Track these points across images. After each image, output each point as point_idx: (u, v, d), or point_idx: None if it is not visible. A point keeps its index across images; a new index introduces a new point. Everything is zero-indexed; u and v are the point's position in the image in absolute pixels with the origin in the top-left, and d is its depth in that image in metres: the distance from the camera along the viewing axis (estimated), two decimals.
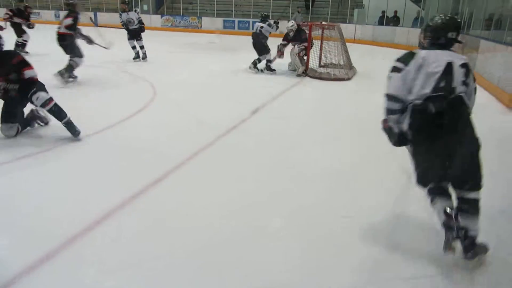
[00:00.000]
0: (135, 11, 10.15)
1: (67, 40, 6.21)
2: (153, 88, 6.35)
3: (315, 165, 3.59)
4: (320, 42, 8.51)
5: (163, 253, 2.24)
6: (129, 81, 7.09)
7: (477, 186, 2.11)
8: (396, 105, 2.17)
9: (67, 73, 6.23)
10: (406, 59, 2.15)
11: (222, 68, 8.67)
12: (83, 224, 2.44)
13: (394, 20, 14.94)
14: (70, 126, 3.94)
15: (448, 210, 2.13)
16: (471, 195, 2.10)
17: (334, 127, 4.77)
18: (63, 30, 6.24)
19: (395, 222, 2.64)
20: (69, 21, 6.23)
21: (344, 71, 7.99)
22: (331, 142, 4.24)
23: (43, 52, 8.63)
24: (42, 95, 3.78)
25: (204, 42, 13.54)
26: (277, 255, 2.26)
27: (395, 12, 14.92)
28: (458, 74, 2.05)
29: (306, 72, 7.93)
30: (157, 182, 3.08)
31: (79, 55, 6.36)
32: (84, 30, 6.63)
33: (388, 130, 2.26)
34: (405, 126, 2.14)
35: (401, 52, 2.31)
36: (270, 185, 3.15)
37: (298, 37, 7.89)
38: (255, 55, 8.14)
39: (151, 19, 19.40)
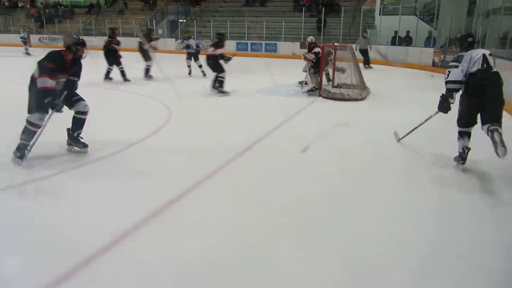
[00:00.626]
0: (194, 38, 12.39)
1: (213, 60, 7.86)
2: (169, 109, 6.44)
3: (328, 184, 3.56)
4: (332, 62, 8.55)
5: (180, 275, 2.23)
6: (144, 102, 7.21)
7: (499, 122, 3.51)
8: (455, 85, 3.75)
9: (221, 87, 7.95)
10: (458, 59, 3.74)
11: (237, 88, 8.77)
12: (99, 244, 2.45)
13: (407, 40, 14.99)
14: (77, 140, 4.17)
15: (465, 148, 3.81)
16: (495, 126, 3.45)
17: (347, 147, 4.74)
18: (211, 52, 7.86)
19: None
20: (221, 50, 7.93)
21: (357, 91, 7.99)
22: (346, 162, 4.21)
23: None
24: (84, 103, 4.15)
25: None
26: (301, 279, 2.22)
27: (407, 32, 14.98)
28: (490, 59, 3.68)
29: (320, 92, 7.96)
30: (173, 203, 3.08)
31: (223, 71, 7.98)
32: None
33: (446, 101, 3.83)
34: (459, 93, 3.85)
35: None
36: (287, 208, 3.13)
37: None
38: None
39: (166, 43, 19.86)
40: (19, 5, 27.35)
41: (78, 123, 4.16)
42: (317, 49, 8.18)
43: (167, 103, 6.88)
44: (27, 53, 16.97)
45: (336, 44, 8.93)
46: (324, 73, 8.34)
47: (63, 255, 2.35)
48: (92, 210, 2.99)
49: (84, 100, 4.15)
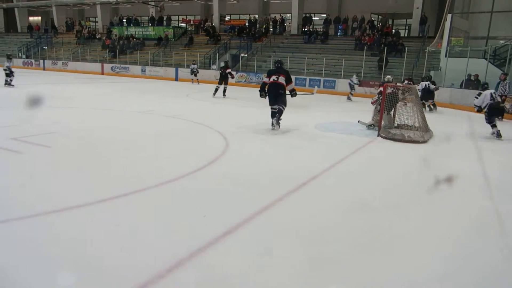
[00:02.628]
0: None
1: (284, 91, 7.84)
2: (226, 139, 6.57)
3: (384, 229, 3.36)
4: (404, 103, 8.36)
5: None
6: (202, 131, 7.42)
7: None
8: (477, 107, 8.19)
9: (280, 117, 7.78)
10: (480, 95, 7.99)
11: (293, 123, 8.78)
12: (154, 271, 2.46)
13: (475, 84, 14.30)
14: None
15: (496, 132, 7.90)
16: None
17: (402, 191, 4.50)
18: (281, 81, 7.72)
19: None
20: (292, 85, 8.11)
21: (419, 134, 7.67)
22: (404, 205, 3.98)
23: None
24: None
25: None
26: None
27: (476, 75, 14.31)
28: (495, 95, 7.93)
29: (379, 132, 7.75)
30: (227, 235, 3.06)
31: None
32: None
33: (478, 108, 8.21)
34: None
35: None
36: (342, 246, 2.98)
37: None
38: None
39: None
40: (97, 37, 29.90)
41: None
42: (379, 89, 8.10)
43: (224, 133, 7.04)
44: None
45: (399, 84, 8.73)
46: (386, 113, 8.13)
47: (117, 279, 2.40)
48: (146, 236, 3.05)
49: None
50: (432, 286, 2.56)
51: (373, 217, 3.67)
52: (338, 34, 23.41)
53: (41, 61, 28.09)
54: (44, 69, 27.36)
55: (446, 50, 15.80)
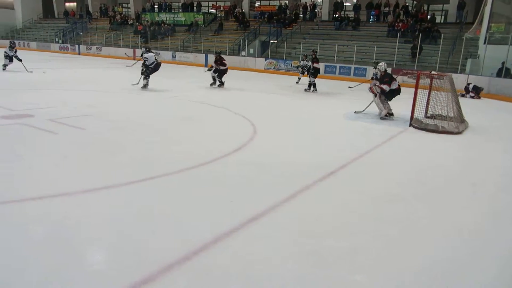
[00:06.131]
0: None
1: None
2: (253, 126, 6.57)
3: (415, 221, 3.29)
4: (428, 92, 8.06)
5: None
6: (230, 118, 7.45)
7: None
8: None
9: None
10: None
11: (322, 111, 8.69)
12: (180, 254, 2.52)
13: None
14: None
15: None
16: None
17: (434, 183, 4.37)
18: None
19: None
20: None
21: (454, 124, 7.39)
22: (435, 197, 3.87)
23: None
24: None
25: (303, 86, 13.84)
26: None
27: None
28: None
29: (411, 122, 7.54)
30: (252, 221, 3.08)
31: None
32: None
33: None
34: None
35: None
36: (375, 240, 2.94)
37: (381, 79, 8.21)
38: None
39: (256, 62, 20.51)
40: (129, 22, 30.37)
41: None
42: (387, 86, 8.00)
43: (252, 120, 7.04)
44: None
45: (433, 72, 8.41)
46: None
47: (150, 260, 2.47)
48: (174, 221, 3.11)
49: None
50: (464, 280, 2.49)
51: (402, 209, 3.59)
52: (370, 20, 22.75)
53: (77, 46, 28.86)
54: (79, 53, 28.12)
55: (486, 37, 15.06)
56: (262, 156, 4.96)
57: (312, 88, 12.32)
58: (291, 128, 6.89)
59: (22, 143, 4.87)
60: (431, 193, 4.05)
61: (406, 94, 8.22)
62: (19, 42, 32.55)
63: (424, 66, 16.27)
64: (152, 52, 10.59)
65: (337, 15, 22.94)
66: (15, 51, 13.16)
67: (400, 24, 19.59)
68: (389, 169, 4.83)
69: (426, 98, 8.09)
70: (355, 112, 8.57)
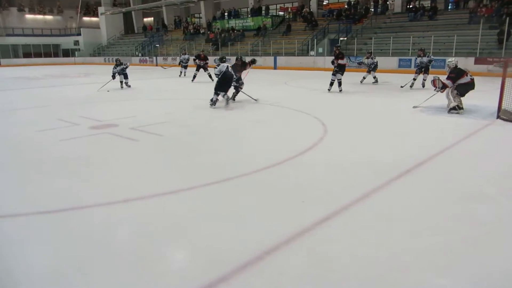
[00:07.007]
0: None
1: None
2: (324, 126, 6.47)
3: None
4: None
5: None
6: (301, 118, 7.41)
7: None
8: None
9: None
10: None
11: (398, 106, 8.28)
12: (255, 253, 2.56)
13: None
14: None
15: None
16: None
17: None
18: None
19: None
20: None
21: None
22: None
23: None
24: None
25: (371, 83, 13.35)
26: None
27: None
28: None
29: (498, 113, 6.88)
30: (324, 221, 3.03)
31: None
32: None
33: None
34: None
35: None
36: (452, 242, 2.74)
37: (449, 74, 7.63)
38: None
39: (325, 61, 20.21)
40: (201, 32, 31.72)
41: None
42: (450, 82, 7.46)
43: (323, 120, 6.94)
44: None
45: None
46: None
47: (223, 260, 2.55)
48: (247, 221, 3.17)
49: None
50: None
51: (489, 208, 3.29)
52: (449, 8, 21.23)
53: (154, 57, 30.83)
54: (156, 65, 30.00)
55: None
56: (334, 156, 4.87)
57: (339, 87, 11.07)
58: (362, 126, 6.66)
59: (110, 151, 5.32)
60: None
61: (492, 83, 7.51)
62: (105, 58, 35.70)
63: None
64: (225, 62, 9.03)
65: (411, 6, 21.77)
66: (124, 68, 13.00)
67: (484, 9, 18.02)
68: (474, 165, 4.45)
69: None
70: (413, 107, 8.05)
